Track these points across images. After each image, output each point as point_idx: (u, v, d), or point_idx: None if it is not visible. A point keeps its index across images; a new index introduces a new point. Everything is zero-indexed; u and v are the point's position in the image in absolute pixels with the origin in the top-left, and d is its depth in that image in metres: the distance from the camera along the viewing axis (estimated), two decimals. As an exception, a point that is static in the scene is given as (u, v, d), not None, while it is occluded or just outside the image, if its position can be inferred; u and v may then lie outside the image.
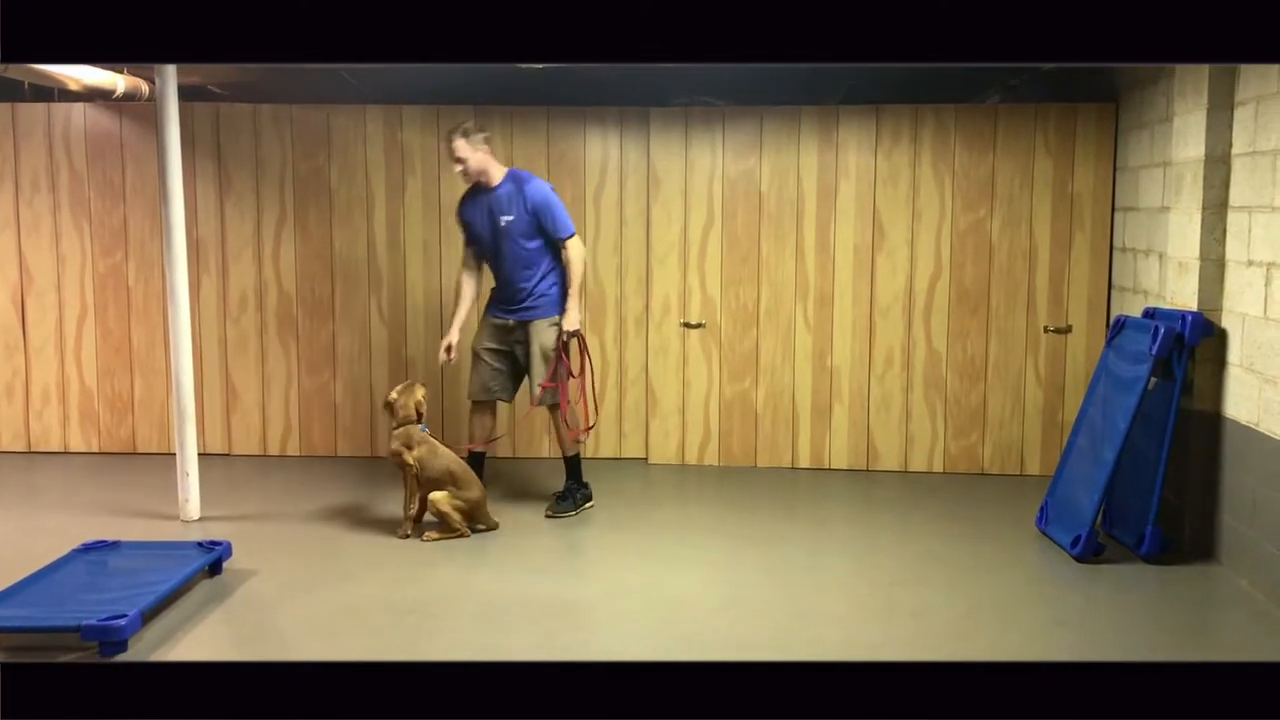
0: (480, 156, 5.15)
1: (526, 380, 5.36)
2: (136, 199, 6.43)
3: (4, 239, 6.46)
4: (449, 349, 5.32)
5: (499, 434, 5.70)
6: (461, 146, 5.10)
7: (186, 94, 5.60)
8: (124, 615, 3.65)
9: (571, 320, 5.22)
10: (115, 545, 4.50)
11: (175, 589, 4.10)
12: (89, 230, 6.46)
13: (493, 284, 5.42)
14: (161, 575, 4.12)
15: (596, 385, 5.51)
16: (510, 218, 5.15)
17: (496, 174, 5.21)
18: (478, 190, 5.27)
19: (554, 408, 5.30)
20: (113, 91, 6.29)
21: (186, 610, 4.06)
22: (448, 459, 5.03)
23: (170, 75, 5.01)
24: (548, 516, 5.28)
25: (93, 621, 3.60)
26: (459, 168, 5.16)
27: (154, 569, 4.20)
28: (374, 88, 6.78)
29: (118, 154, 6.42)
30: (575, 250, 5.21)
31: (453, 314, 5.46)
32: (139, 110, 6.41)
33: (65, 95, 6.41)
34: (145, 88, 6.55)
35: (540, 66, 5.19)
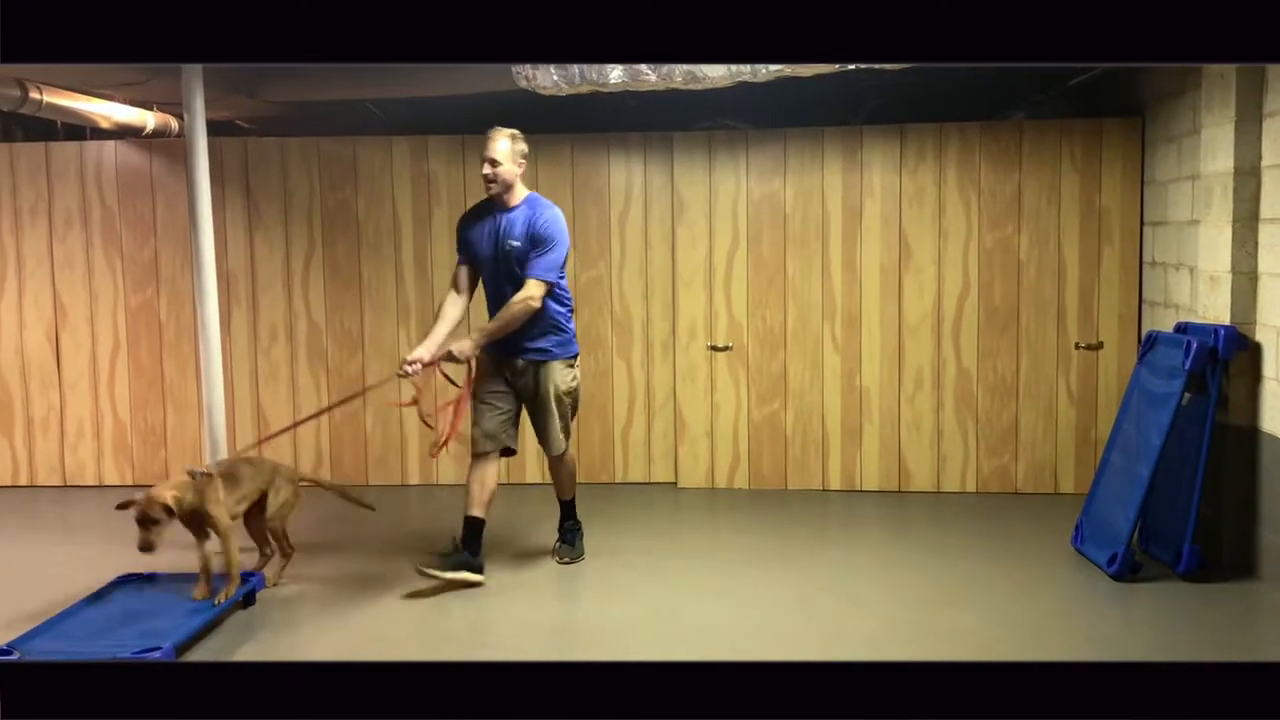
0: (513, 170, 4.64)
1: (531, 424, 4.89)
2: (167, 234, 6.51)
3: (38, 276, 6.55)
4: (413, 363, 4.57)
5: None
6: (502, 150, 4.60)
7: (215, 129, 5.67)
8: (158, 648, 3.68)
9: (464, 348, 4.61)
10: (151, 578, 4.53)
11: (210, 621, 4.13)
12: (121, 266, 6.54)
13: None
14: (196, 607, 4.17)
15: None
16: (517, 243, 4.62)
17: (517, 195, 4.71)
18: (487, 209, 4.76)
19: (559, 456, 4.91)
20: (143, 128, 6.40)
21: (221, 642, 4.08)
22: (248, 470, 4.55)
23: (199, 111, 5.06)
24: (563, 563, 5.00)
25: (127, 654, 3.63)
26: (488, 169, 4.60)
27: (189, 601, 4.24)
28: (399, 119, 6.84)
29: (148, 190, 6.51)
30: (533, 291, 4.58)
31: (430, 331, 4.74)
32: (168, 146, 6.50)
33: (97, 133, 6.52)
34: (174, 124, 6.65)
35: (564, 93, 5.19)
